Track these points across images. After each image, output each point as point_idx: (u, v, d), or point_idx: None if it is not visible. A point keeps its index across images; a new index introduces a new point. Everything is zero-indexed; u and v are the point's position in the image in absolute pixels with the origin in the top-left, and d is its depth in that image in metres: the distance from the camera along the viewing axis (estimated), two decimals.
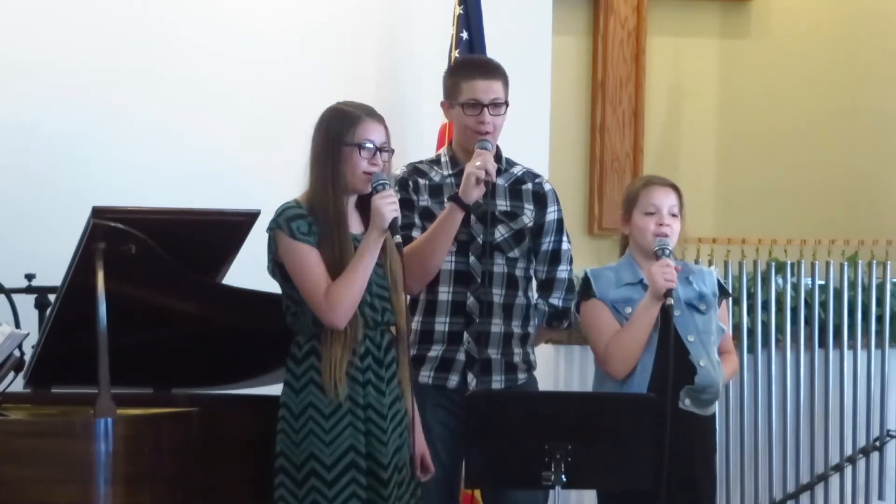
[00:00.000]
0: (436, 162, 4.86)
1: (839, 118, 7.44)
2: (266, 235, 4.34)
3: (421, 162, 4.87)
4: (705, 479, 4.76)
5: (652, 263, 4.63)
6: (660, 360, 4.61)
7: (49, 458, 4.05)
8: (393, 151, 4.36)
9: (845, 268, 6.40)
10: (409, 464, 4.38)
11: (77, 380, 4.50)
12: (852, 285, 6.41)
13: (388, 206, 4.23)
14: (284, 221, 4.27)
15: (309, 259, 4.26)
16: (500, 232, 4.77)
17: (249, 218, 4.51)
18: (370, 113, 4.34)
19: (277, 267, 4.33)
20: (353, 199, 4.36)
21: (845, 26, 7.47)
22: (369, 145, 4.28)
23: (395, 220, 4.23)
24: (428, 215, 4.72)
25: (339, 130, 4.29)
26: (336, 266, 4.25)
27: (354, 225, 4.35)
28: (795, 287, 6.37)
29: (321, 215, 4.27)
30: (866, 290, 6.42)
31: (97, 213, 4.26)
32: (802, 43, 7.48)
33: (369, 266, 4.26)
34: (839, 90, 7.45)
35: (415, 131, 5.87)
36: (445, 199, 4.67)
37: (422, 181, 4.80)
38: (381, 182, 4.27)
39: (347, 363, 4.26)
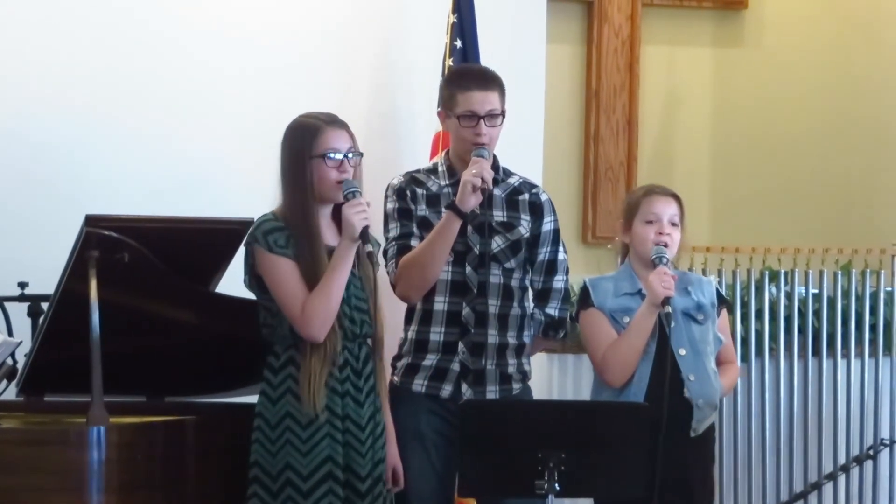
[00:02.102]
0: (433, 171, 4.83)
1: (832, 127, 7.46)
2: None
3: (418, 171, 4.85)
4: (703, 489, 4.75)
5: (650, 272, 4.63)
6: (656, 369, 4.60)
7: (42, 466, 4.04)
8: (361, 154, 4.35)
9: (839, 277, 6.41)
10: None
11: (70, 388, 4.49)
12: (846, 294, 6.41)
13: (358, 214, 4.21)
14: (262, 235, 4.27)
15: (286, 272, 4.26)
16: (497, 242, 4.75)
17: (242, 226, 4.49)
18: (331, 121, 4.33)
19: (255, 280, 4.33)
20: (328, 211, 4.35)
21: (838, 35, 7.49)
22: (334, 154, 4.28)
23: (365, 228, 4.22)
24: (426, 225, 4.70)
25: (302, 143, 4.29)
26: (311, 278, 4.24)
27: (331, 236, 4.33)
28: (789, 296, 6.37)
29: (295, 228, 4.27)
30: (860, 299, 6.43)
31: (90, 221, 4.25)
32: (796, 52, 7.49)
33: (343, 277, 4.24)
34: (832, 99, 7.46)
35: (409, 140, 5.87)
36: (443, 209, 4.66)
37: (419, 191, 4.78)
38: (351, 190, 4.25)
39: (327, 375, 4.26)
